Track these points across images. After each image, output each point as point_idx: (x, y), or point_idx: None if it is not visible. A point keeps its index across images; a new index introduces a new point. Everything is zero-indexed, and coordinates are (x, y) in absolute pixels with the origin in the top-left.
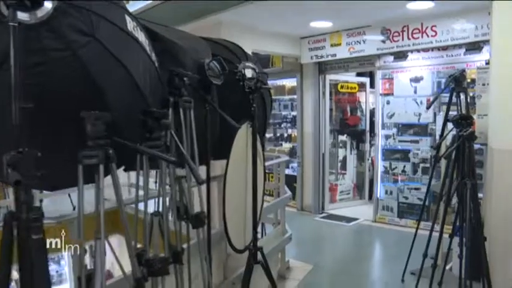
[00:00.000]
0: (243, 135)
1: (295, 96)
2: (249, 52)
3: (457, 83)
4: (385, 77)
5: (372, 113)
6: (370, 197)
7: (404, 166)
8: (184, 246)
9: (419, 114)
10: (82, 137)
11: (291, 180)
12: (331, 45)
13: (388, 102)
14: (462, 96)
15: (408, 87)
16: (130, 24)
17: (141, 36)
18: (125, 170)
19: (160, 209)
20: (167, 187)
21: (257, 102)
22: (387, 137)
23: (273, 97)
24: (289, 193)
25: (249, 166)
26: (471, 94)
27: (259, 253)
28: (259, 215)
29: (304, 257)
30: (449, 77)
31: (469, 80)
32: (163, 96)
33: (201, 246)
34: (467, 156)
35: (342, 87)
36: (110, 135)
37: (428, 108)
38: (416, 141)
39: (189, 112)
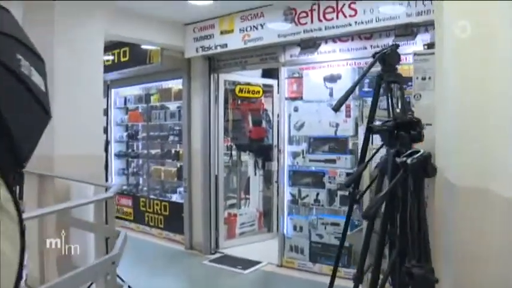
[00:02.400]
0: None
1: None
2: (100, 40)
3: (387, 66)
4: (292, 76)
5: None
6: None
7: (318, 194)
8: None
9: (337, 125)
10: None
11: (178, 210)
12: (221, 33)
13: (296, 109)
14: (395, 90)
15: (322, 89)
16: None
17: None
18: None
19: None
20: None
21: None
22: (295, 154)
23: (157, 103)
24: (108, 255)
25: None
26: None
27: None
28: None
29: None
30: (373, 56)
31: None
32: None
33: None
34: (415, 211)
35: (241, 90)
36: None
37: (336, 109)
38: (333, 161)
39: None
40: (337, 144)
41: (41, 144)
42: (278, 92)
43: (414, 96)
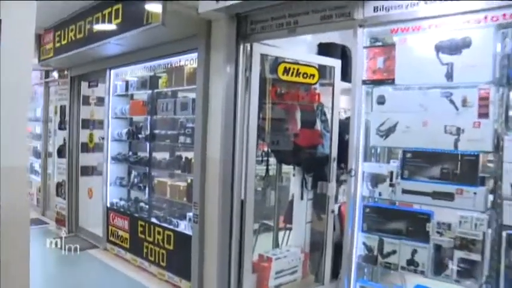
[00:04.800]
0: None
1: None
2: None
3: None
4: (375, 44)
5: (345, 124)
6: (336, 275)
7: (415, 251)
8: None
9: (459, 131)
10: None
11: (187, 244)
12: None
13: (381, 101)
14: None
15: (432, 66)
16: None
17: None
18: None
19: None
20: None
21: None
22: (377, 179)
23: (166, 89)
24: None
25: None
26: None
27: None
28: None
29: None
30: None
31: None
32: None
33: None
34: None
35: (286, 72)
36: None
37: None
38: (449, 195)
39: None
40: (456, 166)
41: None
42: (344, 78)
43: None
